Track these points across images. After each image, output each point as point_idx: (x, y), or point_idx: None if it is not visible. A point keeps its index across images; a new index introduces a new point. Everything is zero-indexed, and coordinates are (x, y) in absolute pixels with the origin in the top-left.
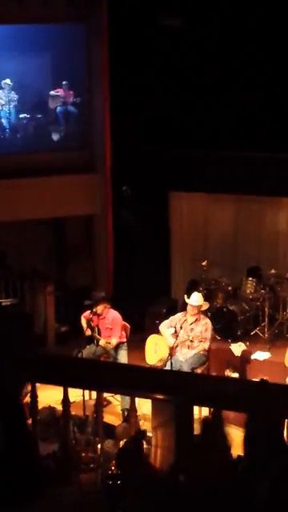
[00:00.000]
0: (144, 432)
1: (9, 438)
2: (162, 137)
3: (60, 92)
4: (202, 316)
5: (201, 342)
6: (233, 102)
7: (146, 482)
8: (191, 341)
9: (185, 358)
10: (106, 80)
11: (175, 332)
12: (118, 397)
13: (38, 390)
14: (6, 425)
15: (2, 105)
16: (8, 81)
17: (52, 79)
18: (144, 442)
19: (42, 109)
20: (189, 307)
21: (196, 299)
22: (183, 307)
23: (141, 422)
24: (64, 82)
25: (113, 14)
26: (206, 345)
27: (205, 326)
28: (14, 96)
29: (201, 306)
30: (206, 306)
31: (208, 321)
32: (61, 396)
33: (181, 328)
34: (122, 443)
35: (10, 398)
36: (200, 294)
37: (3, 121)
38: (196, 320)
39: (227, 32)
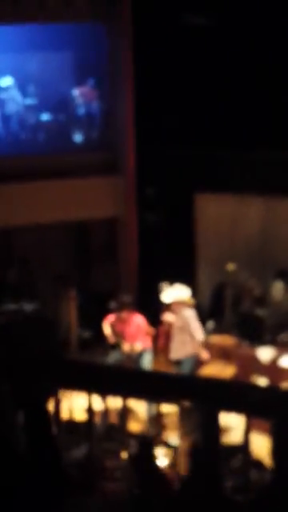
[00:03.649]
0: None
1: (33, 445)
2: (187, 137)
3: (83, 92)
4: None
5: None
6: (260, 102)
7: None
8: None
9: None
10: (130, 80)
11: None
12: (143, 404)
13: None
14: (31, 431)
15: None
16: (9, 81)
17: (75, 79)
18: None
19: (64, 109)
20: None
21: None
22: (211, 311)
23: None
24: (88, 83)
25: (136, 13)
26: None
27: None
28: (16, 94)
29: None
30: None
31: None
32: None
33: None
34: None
35: (35, 404)
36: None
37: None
38: None
39: (254, 30)
